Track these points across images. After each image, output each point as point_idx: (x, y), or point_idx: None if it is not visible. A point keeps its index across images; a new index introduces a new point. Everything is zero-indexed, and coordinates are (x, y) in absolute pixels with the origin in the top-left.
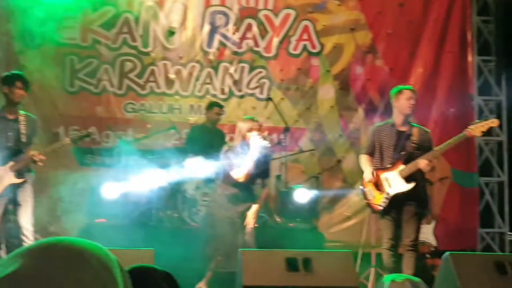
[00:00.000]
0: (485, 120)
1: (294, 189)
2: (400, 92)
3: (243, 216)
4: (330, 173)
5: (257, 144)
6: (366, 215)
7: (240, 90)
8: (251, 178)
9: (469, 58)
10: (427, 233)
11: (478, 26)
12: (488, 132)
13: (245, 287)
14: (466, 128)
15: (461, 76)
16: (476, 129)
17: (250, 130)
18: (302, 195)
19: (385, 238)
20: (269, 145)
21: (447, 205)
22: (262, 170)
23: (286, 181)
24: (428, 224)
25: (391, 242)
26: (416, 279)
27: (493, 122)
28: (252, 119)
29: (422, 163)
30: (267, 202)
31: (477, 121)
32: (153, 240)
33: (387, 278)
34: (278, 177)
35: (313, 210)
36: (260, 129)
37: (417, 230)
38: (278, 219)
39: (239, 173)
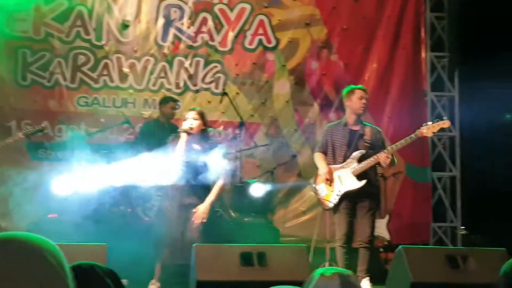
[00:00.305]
0: (437, 121)
1: (250, 183)
2: (352, 91)
3: (189, 210)
4: (285, 168)
5: (182, 141)
6: (320, 210)
7: (195, 85)
8: (196, 173)
9: (423, 54)
10: (381, 228)
11: (432, 22)
12: (445, 128)
13: (199, 282)
14: (419, 128)
15: (415, 72)
16: (428, 130)
17: (185, 119)
18: (257, 189)
19: (339, 234)
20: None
21: (401, 199)
22: (204, 166)
23: (241, 176)
24: (382, 218)
25: (344, 238)
26: (347, 272)
27: (445, 124)
28: (194, 109)
29: (382, 156)
30: (222, 196)
31: (429, 122)
32: (106, 235)
33: (316, 272)
34: (233, 172)
35: (268, 204)
36: (199, 118)
37: (372, 226)
38: (233, 214)
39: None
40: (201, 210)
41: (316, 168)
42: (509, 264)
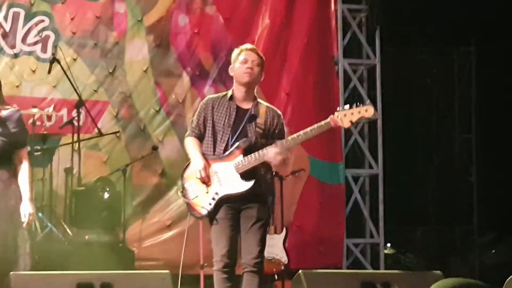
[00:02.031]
0: (358, 107)
1: (93, 186)
2: (236, 54)
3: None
4: (143, 165)
5: None
6: (191, 222)
7: (13, 47)
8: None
9: (332, 7)
10: (275, 247)
11: None
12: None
13: None
14: (330, 110)
15: (321, 31)
16: (345, 118)
17: None
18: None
19: (217, 256)
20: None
21: (303, 207)
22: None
23: (80, 176)
24: (277, 234)
25: (225, 260)
26: None
27: (367, 111)
28: None
29: (270, 153)
30: (52, 205)
31: (346, 107)
32: None
33: None
34: (69, 170)
35: (118, 216)
36: None
37: (262, 243)
38: (68, 230)
39: None
40: (28, 210)
41: (186, 162)
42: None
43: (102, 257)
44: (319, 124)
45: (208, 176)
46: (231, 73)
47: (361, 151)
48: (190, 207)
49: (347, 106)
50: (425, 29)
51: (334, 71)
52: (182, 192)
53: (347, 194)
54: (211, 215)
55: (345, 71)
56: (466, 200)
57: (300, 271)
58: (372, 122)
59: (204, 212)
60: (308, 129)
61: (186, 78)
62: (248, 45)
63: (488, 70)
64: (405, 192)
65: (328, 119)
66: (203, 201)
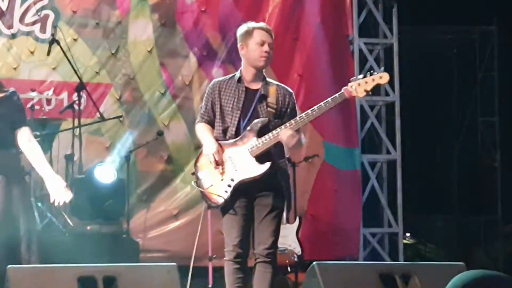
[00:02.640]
0: (371, 75)
1: (93, 173)
2: (248, 33)
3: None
4: (148, 151)
5: None
6: (200, 213)
7: (10, 27)
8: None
9: None
10: (288, 237)
11: None
12: (375, 91)
13: None
14: (345, 86)
15: (336, 8)
16: (359, 87)
17: None
18: (105, 177)
19: (229, 246)
20: None
21: (317, 196)
22: None
23: (82, 163)
24: (290, 223)
25: (237, 250)
26: None
27: (382, 78)
28: None
29: (284, 134)
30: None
31: (360, 76)
32: None
33: None
34: (69, 157)
35: (122, 205)
36: None
37: (276, 233)
38: (69, 220)
39: None
40: (62, 184)
41: (195, 148)
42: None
43: (104, 249)
44: (333, 97)
45: (222, 160)
46: (241, 52)
47: (378, 135)
48: (205, 197)
49: (360, 76)
50: (444, 6)
51: (349, 51)
52: (196, 182)
53: (363, 181)
54: (226, 204)
55: (360, 51)
56: (490, 187)
57: (314, 263)
58: (390, 105)
59: (221, 200)
60: (322, 103)
61: (193, 59)
62: (263, 24)
63: (511, 50)
64: (425, 178)
65: (342, 90)
66: (219, 189)
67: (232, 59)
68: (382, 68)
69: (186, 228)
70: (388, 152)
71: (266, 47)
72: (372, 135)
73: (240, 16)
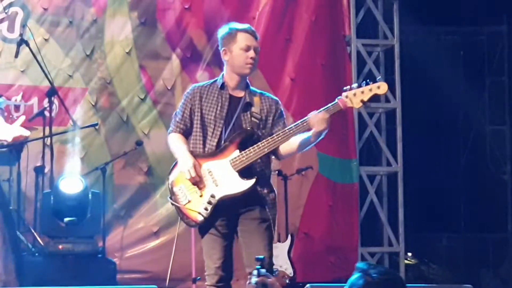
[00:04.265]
0: (367, 84)
1: (63, 186)
2: (231, 37)
3: None
4: (126, 162)
5: None
6: (182, 230)
7: None
8: None
9: None
10: (279, 257)
11: None
12: (374, 98)
13: None
14: (341, 93)
15: (332, 7)
16: (354, 98)
17: None
18: (72, 187)
19: (210, 269)
20: None
21: (311, 211)
22: None
23: (53, 176)
24: (281, 242)
25: (219, 274)
26: None
27: (380, 88)
28: None
29: (316, 117)
30: (20, 210)
31: (355, 86)
32: None
33: None
34: (39, 169)
35: (97, 222)
36: None
37: (269, 247)
38: (39, 239)
39: None
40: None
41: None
42: None
43: (78, 270)
44: (326, 106)
45: (199, 176)
46: (224, 58)
47: (378, 145)
48: (183, 215)
49: (355, 85)
50: (450, 5)
51: (346, 53)
52: (171, 197)
53: (361, 196)
54: (206, 223)
55: (358, 53)
56: (500, 202)
57: (307, 285)
58: (390, 113)
59: (200, 218)
60: (314, 112)
61: (175, 61)
62: (247, 26)
63: None
64: (429, 193)
65: (336, 100)
66: (198, 206)
67: (219, 61)
68: (380, 77)
69: (167, 247)
70: (388, 164)
71: (251, 53)
72: (371, 145)
73: (228, 14)
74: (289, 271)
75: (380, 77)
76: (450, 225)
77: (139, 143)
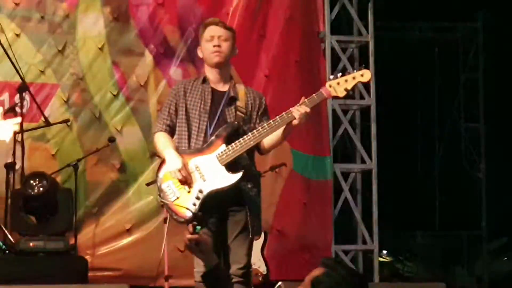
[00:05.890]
0: (351, 73)
1: (33, 185)
2: (201, 33)
3: None
4: (98, 158)
5: None
6: (156, 225)
7: None
8: None
9: None
10: (253, 255)
11: None
12: (348, 94)
13: None
14: (314, 92)
15: (306, 3)
16: (338, 86)
17: None
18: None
19: (199, 265)
20: None
21: (284, 208)
22: None
23: (24, 173)
24: (255, 239)
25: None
26: None
27: (363, 75)
28: None
29: (299, 110)
30: None
31: (339, 75)
32: None
33: None
34: (10, 166)
35: (68, 219)
36: None
37: (249, 251)
38: (10, 236)
39: None
40: None
41: (152, 156)
42: None
43: (50, 267)
44: (311, 97)
45: (188, 174)
46: (200, 55)
47: (352, 142)
48: (171, 211)
49: (339, 74)
50: (424, 2)
51: (320, 50)
52: (160, 195)
53: (335, 193)
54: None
55: (332, 50)
56: (474, 200)
57: (280, 283)
58: (364, 110)
59: (189, 214)
60: (301, 102)
61: (149, 57)
62: (211, 19)
63: (497, 49)
64: (403, 190)
65: (321, 90)
66: (186, 202)
67: (192, 58)
68: (363, 65)
69: (139, 245)
70: (362, 161)
71: (215, 41)
72: (345, 142)
73: (201, 11)
74: (263, 269)
75: (363, 65)
76: (424, 222)
77: (111, 140)
